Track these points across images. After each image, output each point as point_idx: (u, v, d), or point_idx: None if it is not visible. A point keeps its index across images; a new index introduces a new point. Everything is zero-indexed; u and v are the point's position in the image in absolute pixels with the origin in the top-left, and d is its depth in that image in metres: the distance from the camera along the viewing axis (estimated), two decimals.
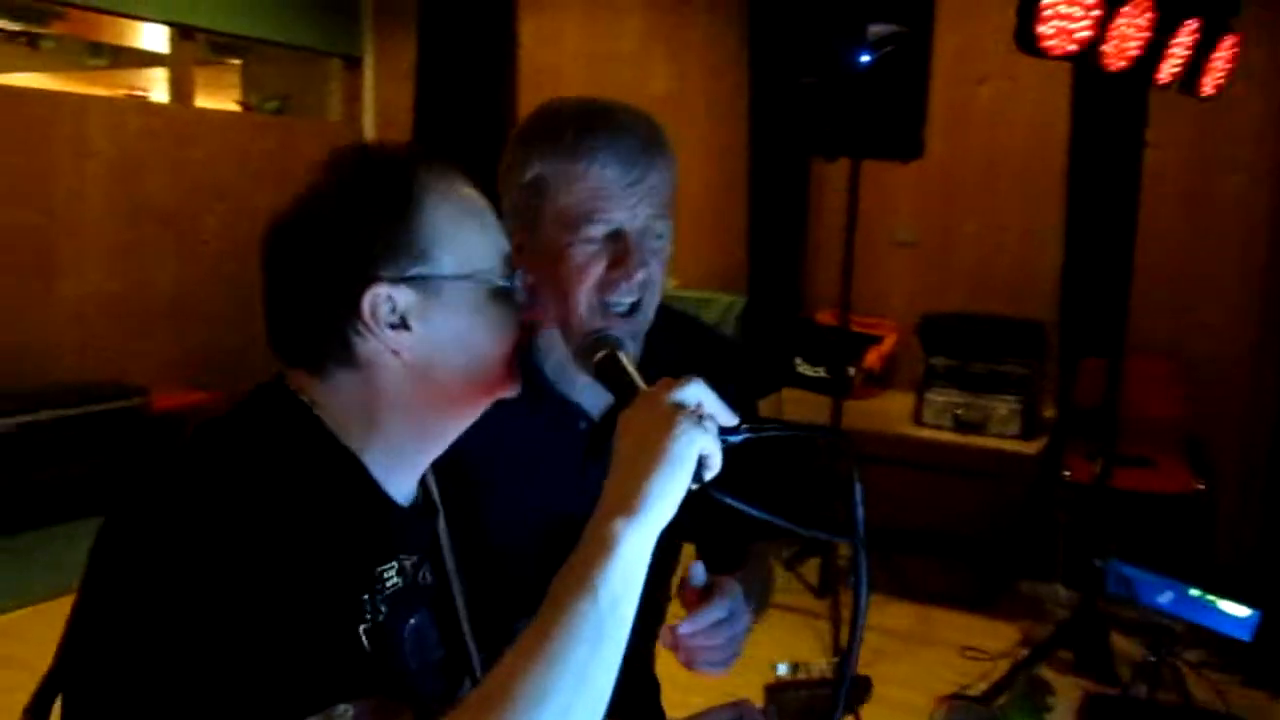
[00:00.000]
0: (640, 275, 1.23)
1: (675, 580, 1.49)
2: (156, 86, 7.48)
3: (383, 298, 0.95)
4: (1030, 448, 4.14)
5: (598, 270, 1.23)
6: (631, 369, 1.04)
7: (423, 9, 4.93)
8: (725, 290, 5.16)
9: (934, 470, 4.58)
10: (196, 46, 5.78)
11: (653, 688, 1.55)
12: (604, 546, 0.82)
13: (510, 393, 1.05)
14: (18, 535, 4.38)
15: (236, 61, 6.85)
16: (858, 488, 1.02)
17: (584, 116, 1.25)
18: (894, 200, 4.82)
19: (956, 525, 4.60)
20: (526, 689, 0.78)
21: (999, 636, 3.85)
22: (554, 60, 5.51)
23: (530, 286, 1.28)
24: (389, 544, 1.01)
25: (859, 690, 1.34)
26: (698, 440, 0.85)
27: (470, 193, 1.03)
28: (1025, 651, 3.59)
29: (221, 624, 0.81)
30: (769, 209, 4.96)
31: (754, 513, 0.91)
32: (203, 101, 6.04)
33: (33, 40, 7.33)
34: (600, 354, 1.07)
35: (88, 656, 0.87)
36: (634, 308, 1.25)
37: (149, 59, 7.05)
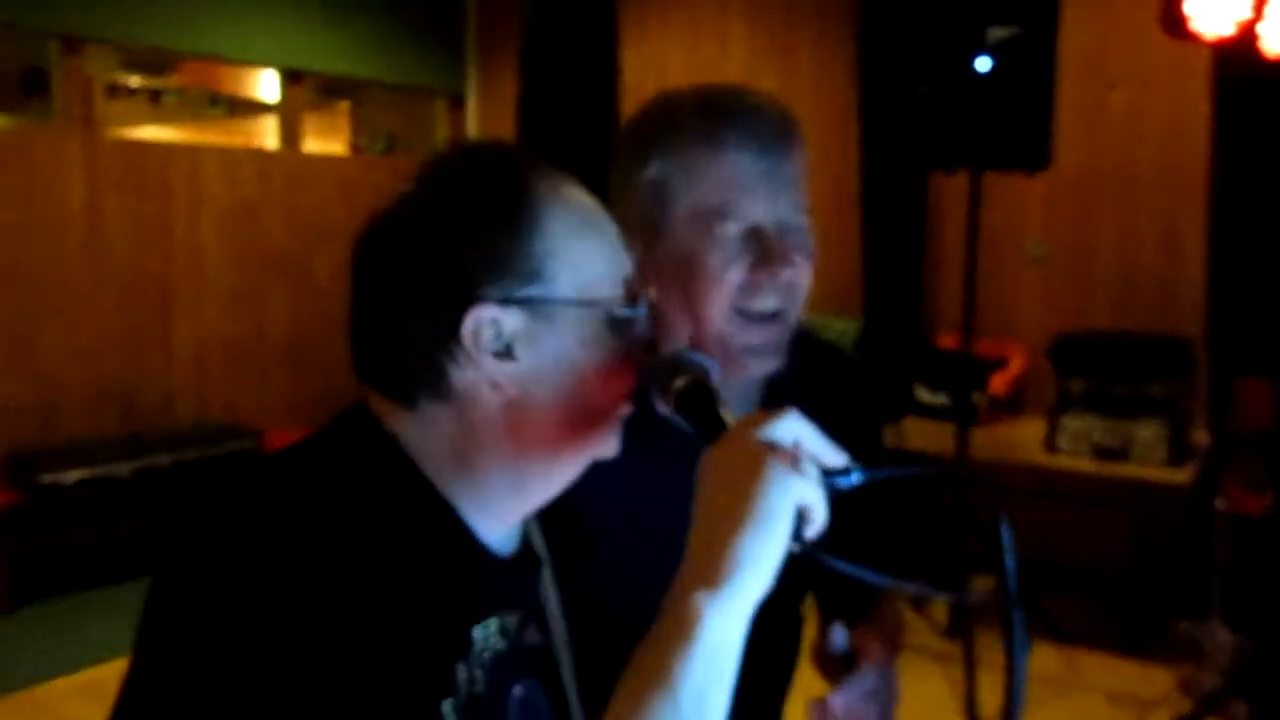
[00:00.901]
0: (786, 274, 1.07)
1: (806, 642, 1.33)
2: (272, 134, 7.70)
3: (487, 321, 0.80)
4: (1180, 475, 3.83)
5: (737, 275, 1.06)
6: (720, 401, 0.85)
7: (524, 42, 4.92)
8: (839, 314, 4.96)
9: (1072, 501, 4.30)
10: (305, 91, 5.90)
11: None
12: (683, 628, 0.68)
13: (609, 452, 0.89)
14: (139, 579, 4.44)
15: (344, 104, 6.98)
16: (1006, 536, 0.84)
17: (708, 101, 1.09)
18: (1022, 213, 4.59)
19: (1100, 561, 4.30)
20: None
21: (1152, 682, 3.55)
22: (658, 85, 5.35)
23: (654, 305, 1.15)
24: (485, 599, 0.86)
25: None
26: (794, 489, 0.69)
27: (590, 203, 0.88)
28: (1184, 699, 3.28)
29: (282, 696, 0.69)
30: (885, 227, 4.76)
31: (873, 579, 0.74)
32: (315, 145, 6.16)
33: (154, 95, 7.63)
34: (680, 381, 0.87)
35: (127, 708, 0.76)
36: (776, 314, 1.09)
37: (263, 107, 7.24)
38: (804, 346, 1.32)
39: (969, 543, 3.75)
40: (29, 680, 3.49)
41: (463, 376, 0.82)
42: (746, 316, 1.07)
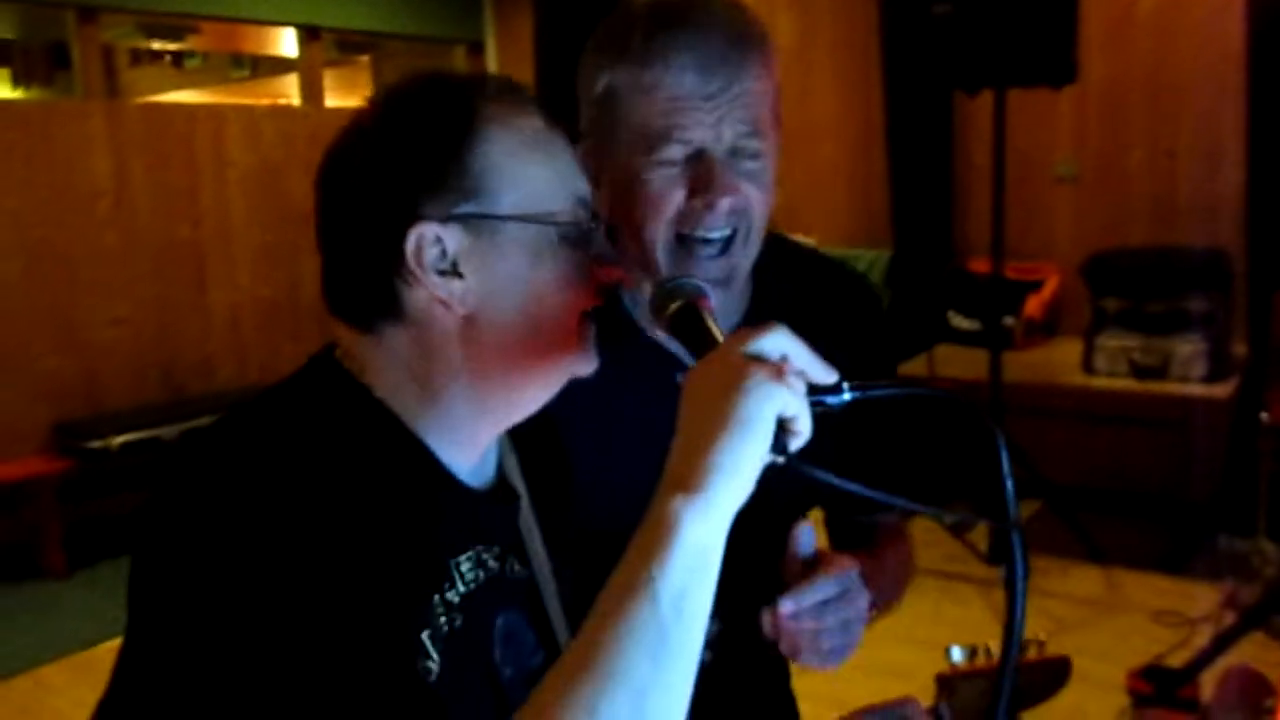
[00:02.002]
0: (726, 203, 1.02)
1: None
2: (295, 92, 7.71)
3: (429, 238, 0.81)
4: (1221, 391, 3.76)
5: (676, 200, 1.03)
6: (713, 324, 0.85)
7: None
8: (868, 245, 4.91)
9: (1111, 422, 4.25)
10: (324, 47, 5.87)
11: (788, 705, 1.36)
12: (661, 531, 0.67)
13: (583, 369, 0.89)
14: None
15: (364, 58, 6.95)
16: (1005, 459, 0.82)
17: (657, 13, 1.04)
18: (1050, 132, 4.48)
19: (1142, 480, 4.25)
20: (574, 715, 0.64)
21: (1197, 599, 3.51)
22: None
23: (609, 225, 1.11)
24: (460, 533, 0.87)
25: (1057, 673, 1.16)
26: (774, 398, 0.68)
27: (542, 124, 0.87)
28: (1229, 615, 3.26)
29: (255, 639, 0.70)
30: (910, 153, 4.67)
31: (859, 491, 0.73)
32: (337, 102, 6.14)
33: (177, 59, 7.65)
34: (674, 305, 0.87)
35: (123, 674, 0.78)
36: (727, 244, 1.05)
37: (285, 65, 7.24)
38: (809, 267, 1.29)
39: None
40: (88, 642, 3.60)
41: (414, 296, 0.83)
42: (688, 245, 1.04)
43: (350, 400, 0.84)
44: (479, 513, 0.90)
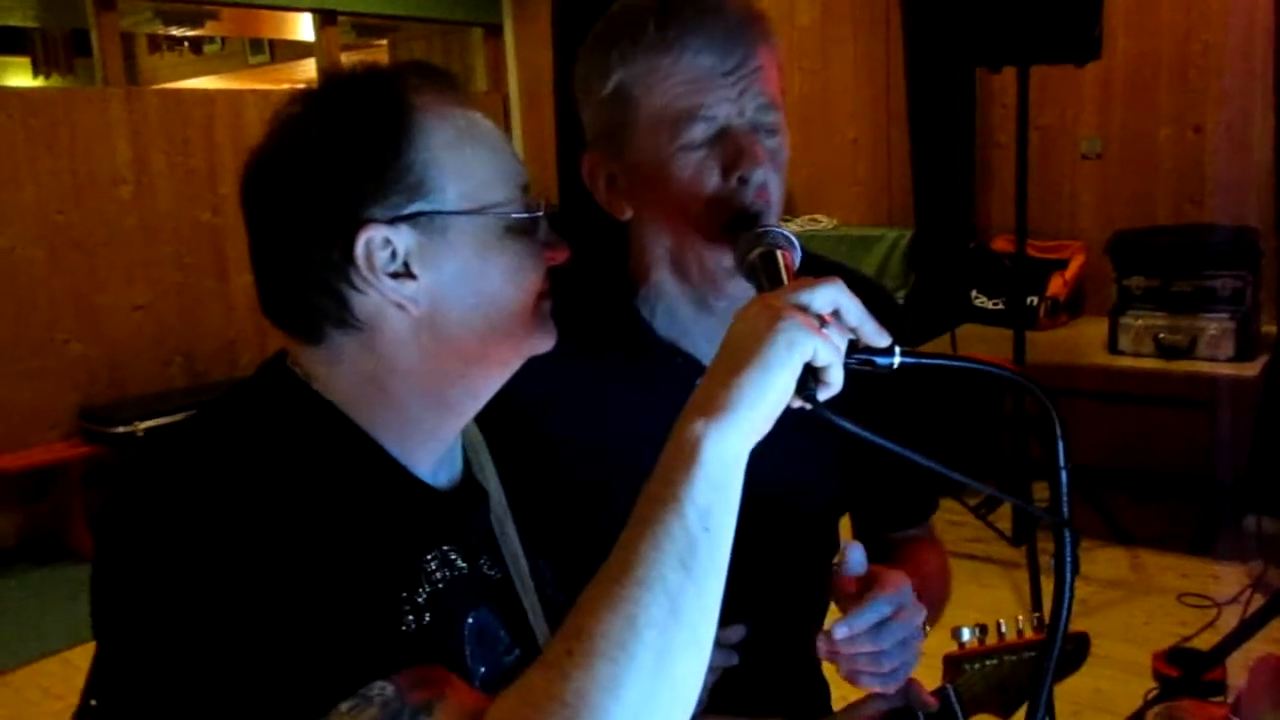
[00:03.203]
0: (760, 175, 1.01)
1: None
2: (313, 77, 7.71)
3: (379, 241, 0.80)
4: (1249, 369, 3.70)
5: (711, 180, 1.02)
6: (786, 273, 0.86)
7: None
8: (890, 225, 4.87)
9: (1136, 401, 4.21)
10: (341, 31, 5.86)
11: (821, 689, 1.36)
12: (685, 452, 0.69)
13: (543, 347, 0.89)
14: None
15: (382, 43, 6.94)
16: (1061, 448, 0.82)
17: (664, 3, 1.03)
18: (1074, 109, 4.41)
19: (1167, 460, 4.22)
20: (614, 625, 0.65)
21: (1224, 581, 3.49)
22: None
23: (630, 221, 1.11)
24: (425, 532, 0.86)
25: (1076, 651, 1.14)
26: (801, 345, 0.71)
27: (475, 114, 0.86)
28: (1257, 598, 3.22)
29: (215, 641, 0.70)
30: (932, 131, 4.61)
31: (884, 444, 0.73)
32: None
33: (196, 46, 7.66)
34: (757, 251, 0.89)
35: (103, 670, 0.79)
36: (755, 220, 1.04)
37: (305, 50, 7.24)
38: (816, 269, 1.28)
39: (1030, 448, 3.70)
40: None
41: (365, 302, 0.81)
42: (728, 232, 1.02)
43: (302, 406, 0.83)
44: (444, 511, 0.89)
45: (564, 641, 0.66)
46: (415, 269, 0.81)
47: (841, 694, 1.36)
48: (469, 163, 0.83)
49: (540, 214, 0.86)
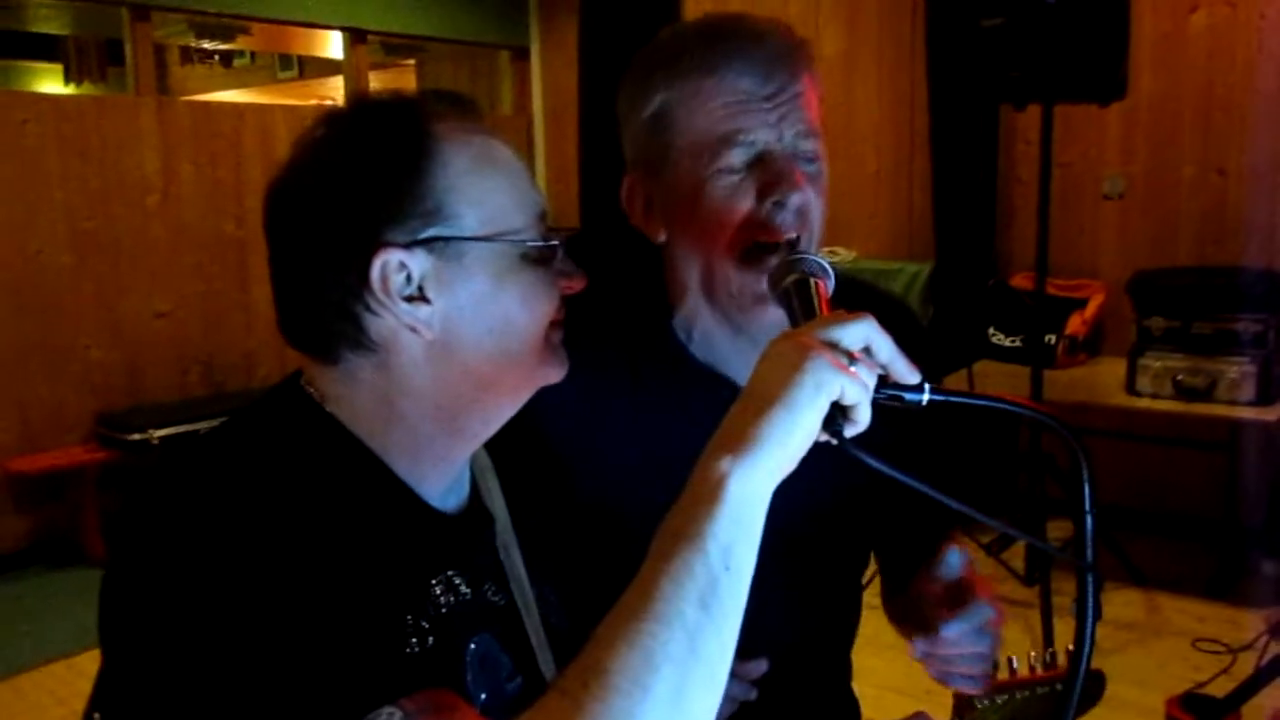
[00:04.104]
0: (796, 199, 1.02)
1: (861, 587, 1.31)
2: (341, 94, 7.78)
3: (394, 265, 0.81)
4: (1270, 414, 3.68)
5: (745, 205, 1.02)
6: (819, 303, 0.86)
7: None
8: (910, 259, 4.87)
9: (1154, 442, 4.18)
10: (370, 50, 5.93)
11: (852, 707, 1.36)
12: (709, 488, 0.70)
13: (553, 377, 0.90)
14: None
15: (410, 62, 7.00)
16: (1086, 492, 0.82)
17: (710, 29, 1.05)
18: (1098, 148, 4.42)
19: (1186, 503, 4.18)
20: (631, 660, 0.65)
21: (1239, 626, 3.45)
22: None
23: (665, 245, 1.11)
24: (431, 556, 0.87)
25: (1091, 688, 1.13)
26: (828, 385, 0.71)
27: (494, 141, 0.87)
28: (1274, 643, 3.19)
29: (220, 661, 0.70)
30: (955, 167, 4.62)
31: (908, 481, 0.74)
32: None
33: (226, 59, 7.75)
34: (791, 278, 0.89)
35: (107, 685, 0.78)
36: (792, 250, 1.04)
37: (333, 67, 7.32)
38: (857, 296, 1.28)
39: (1046, 487, 3.67)
40: None
41: (380, 324, 0.82)
42: (754, 255, 1.03)
43: (314, 427, 0.84)
44: (450, 536, 0.89)
45: (580, 674, 0.67)
46: (430, 293, 0.82)
47: (869, 716, 1.37)
48: (486, 190, 0.84)
49: (556, 243, 0.87)
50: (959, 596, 0.98)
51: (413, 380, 0.84)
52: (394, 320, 0.82)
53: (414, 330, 0.82)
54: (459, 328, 0.83)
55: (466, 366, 0.84)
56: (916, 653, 0.98)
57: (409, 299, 0.82)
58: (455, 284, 0.82)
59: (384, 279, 0.81)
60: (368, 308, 0.82)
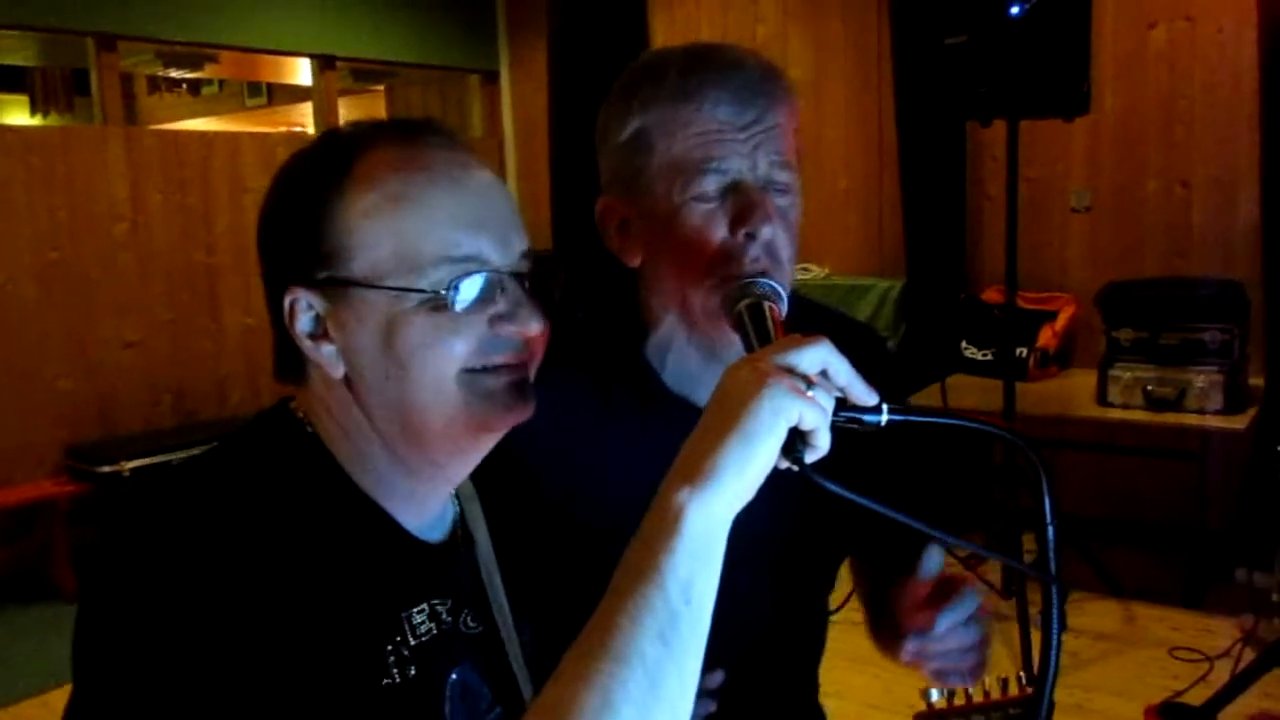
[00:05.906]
0: (767, 231, 1.01)
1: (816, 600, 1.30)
2: (310, 120, 7.76)
3: (302, 304, 0.82)
4: (1238, 422, 3.72)
5: (717, 234, 1.02)
6: (774, 327, 0.86)
7: (554, 15, 4.88)
8: (881, 275, 4.90)
9: (1126, 452, 4.21)
10: (339, 76, 5.92)
11: None
12: (668, 521, 0.68)
13: (496, 426, 0.85)
14: None
15: (379, 88, 7.00)
16: (1048, 505, 0.83)
17: (689, 55, 1.05)
18: (1064, 162, 4.47)
19: (1158, 513, 4.21)
20: (590, 701, 0.64)
21: (1216, 634, 3.48)
22: None
23: (639, 269, 1.11)
24: (411, 585, 0.86)
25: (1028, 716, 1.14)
26: (787, 410, 0.69)
27: (422, 178, 0.82)
28: (1248, 651, 3.21)
29: (198, 689, 0.70)
30: (923, 183, 4.66)
31: (870, 505, 0.73)
32: None
33: (194, 87, 7.72)
34: (744, 303, 0.90)
35: (76, 709, 0.77)
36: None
37: (303, 94, 7.30)
38: (824, 322, 1.27)
39: (1020, 499, 3.69)
40: None
41: (307, 357, 0.84)
42: (723, 284, 1.02)
43: (297, 452, 0.84)
44: (432, 566, 0.89)
45: (540, 714, 0.66)
46: (332, 333, 0.82)
47: None
48: (388, 232, 0.81)
49: (459, 293, 0.81)
50: (943, 592, 0.98)
51: (351, 415, 0.85)
52: (312, 355, 0.84)
53: (319, 367, 0.84)
54: (359, 370, 0.83)
55: (376, 409, 0.83)
56: (908, 655, 0.98)
57: (313, 337, 0.83)
58: (349, 327, 0.82)
59: (292, 315, 0.82)
60: (297, 339, 0.84)
